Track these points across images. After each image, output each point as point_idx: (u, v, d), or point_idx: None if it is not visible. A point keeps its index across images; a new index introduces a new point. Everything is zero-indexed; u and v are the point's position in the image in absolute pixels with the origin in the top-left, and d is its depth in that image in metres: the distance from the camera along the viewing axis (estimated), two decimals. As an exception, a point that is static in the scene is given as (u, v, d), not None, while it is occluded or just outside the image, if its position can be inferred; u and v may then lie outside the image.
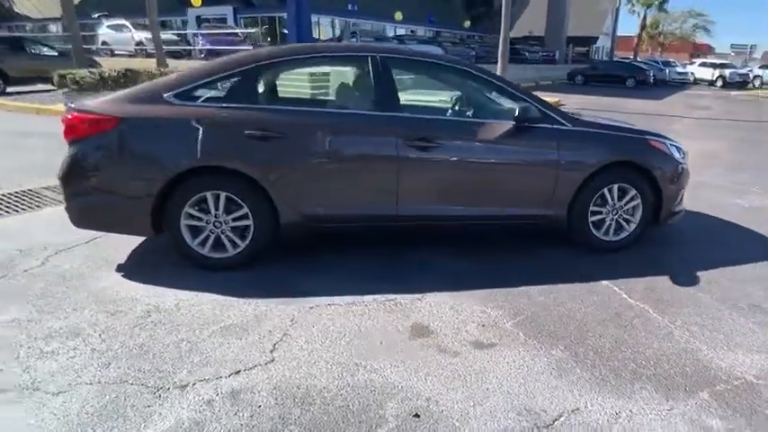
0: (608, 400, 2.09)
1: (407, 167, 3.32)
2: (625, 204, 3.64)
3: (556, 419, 1.97)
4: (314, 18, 26.10)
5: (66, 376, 2.20)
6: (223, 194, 3.21)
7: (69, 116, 3.13)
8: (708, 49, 79.13)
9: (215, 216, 3.24)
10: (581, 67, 29.41)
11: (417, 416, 1.97)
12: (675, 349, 2.47)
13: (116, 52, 20.87)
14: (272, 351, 2.42)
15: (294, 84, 4.50)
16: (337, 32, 28.85)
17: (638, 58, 38.84)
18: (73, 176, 3.14)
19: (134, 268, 3.33)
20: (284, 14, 25.46)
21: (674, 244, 3.93)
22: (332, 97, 3.69)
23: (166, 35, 18.52)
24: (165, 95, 3.19)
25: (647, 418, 1.99)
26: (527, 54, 32.84)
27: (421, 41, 27.59)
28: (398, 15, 30.18)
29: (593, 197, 3.57)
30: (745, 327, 2.70)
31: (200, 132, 3.16)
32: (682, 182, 3.76)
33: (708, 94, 24.22)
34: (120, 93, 3.35)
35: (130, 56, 20.13)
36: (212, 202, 3.22)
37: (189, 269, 3.26)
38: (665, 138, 3.79)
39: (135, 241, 3.66)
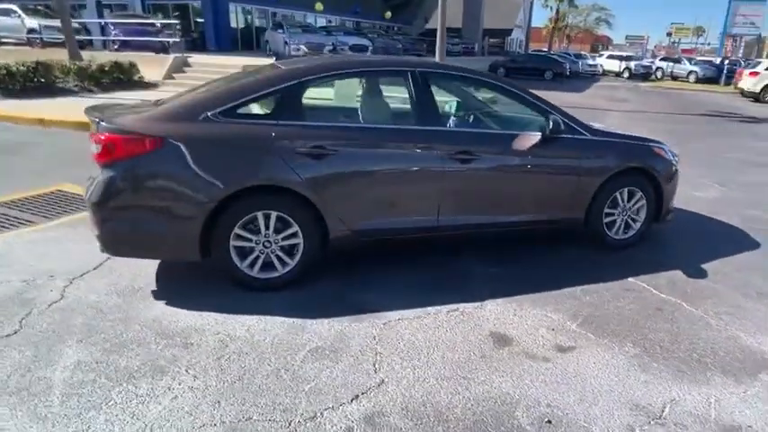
0: (693, 388, 2.44)
1: (449, 179, 3.49)
2: (633, 206, 4.09)
3: (662, 411, 2.27)
4: (231, 7, 25.08)
5: (182, 420, 2.13)
6: (274, 214, 3.18)
7: (104, 136, 2.93)
8: (607, 41, 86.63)
9: (265, 236, 3.21)
10: (502, 60, 30.97)
11: (550, 422, 2.18)
12: (720, 337, 2.89)
13: (3, 41, 18.57)
14: (376, 372, 2.49)
15: (329, 97, 4.45)
16: (256, 22, 27.89)
17: (552, 51, 41.64)
18: (110, 201, 2.95)
19: (173, 295, 3.19)
20: (198, 1, 24.22)
21: (666, 239, 4.46)
22: (375, 112, 3.75)
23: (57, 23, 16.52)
24: (209, 114, 3.09)
25: (731, 401, 2.35)
26: (449, 46, 33.87)
27: (347, 33, 27.49)
28: (319, 6, 29.77)
29: (608, 200, 3.97)
30: (765, 312, 3.20)
31: (252, 151, 3.12)
32: (675, 182, 4.29)
33: (620, 86, 26.64)
34: (156, 110, 3.19)
35: (20, 45, 17.99)
36: (262, 221, 3.18)
37: (231, 292, 3.20)
38: (663, 143, 4.28)
39: (149, 265, 3.49)
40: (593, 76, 33.05)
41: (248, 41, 26.45)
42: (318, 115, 3.60)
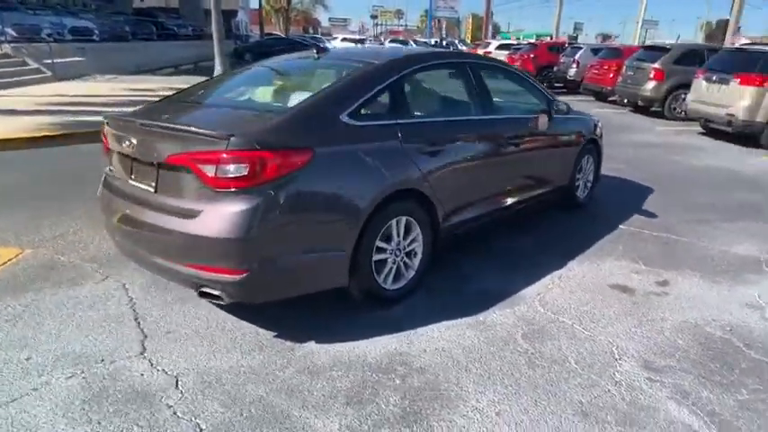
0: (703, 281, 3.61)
1: (509, 163, 3.93)
2: (589, 169, 5.21)
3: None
4: None
5: None
6: (404, 219, 3.10)
7: (248, 154, 2.39)
8: (317, 23, 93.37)
9: (396, 244, 3.10)
10: (248, 44, 30.36)
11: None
12: (716, 251, 4.21)
13: None
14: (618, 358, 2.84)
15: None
16: None
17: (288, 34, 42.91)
18: (261, 233, 2.45)
19: (310, 331, 2.83)
20: None
21: (602, 199, 5.74)
22: (457, 104, 3.81)
23: None
24: (341, 117, 2.79)
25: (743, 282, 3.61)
26: (175, 29, 31.36)
27: (57, 12, 22.69)
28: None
29: (578, 167, 4.99)
30: (723, 232, 4.67)
31: (388, 154, 2.97)
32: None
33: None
34: (285, 117, 2.70)
35: None
36: (395, 229, 3.07)
37: (359, 312, 3.05)
38: (596, 117, 5.49)
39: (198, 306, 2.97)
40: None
41: None
42: (418, 109, 3.51)
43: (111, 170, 3.12)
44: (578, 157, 4.86)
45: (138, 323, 2.93)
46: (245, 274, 2.47)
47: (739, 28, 19.65)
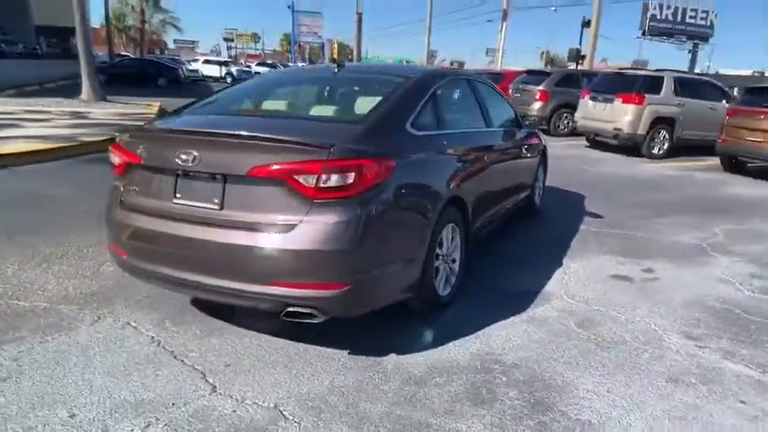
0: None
1: (505, 169, 4.30)
2: (540, 177, 5.79)
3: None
4: None
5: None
6: (450, 225, 3.25)
7: (352, 161, 2.39)
8: (163, 45, 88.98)
9: (447, 250, 3.24)
10: (101, 66, 28.05)
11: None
12: (667, 242, 4.96)
13: None
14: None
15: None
16: None
17: (147, 54, 40.32)
18: (362, 244, 2.45)
19: (365, 342, 2.83)
20: None
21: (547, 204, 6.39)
22: (475, 117, 4.01)
23: None
24: (407, 127, 2.89)
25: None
26: (2, 46, 27.92)
27: None
28: None
29: (537, 175, 5.54)
30: (662, 226, 5.49)
31: (443, 163, 3.14)
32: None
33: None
34: (367, 127, 2.73)
35: None
36: (446, 235, 3.20)
37: (402, 325, 3.13)
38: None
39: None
40: (196, 82, 33.95)
41: None
42: (450, 120, 3.65)
43: (134, 189, 2.82)
44: (537, 165, 5.41)
45: (183, 361, 2.66)
46: (345, 288, 2.42)
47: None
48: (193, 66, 38.41)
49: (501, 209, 4.31)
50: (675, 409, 2.40)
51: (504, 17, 28.09)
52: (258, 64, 39.99)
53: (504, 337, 2.97)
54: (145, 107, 13.76)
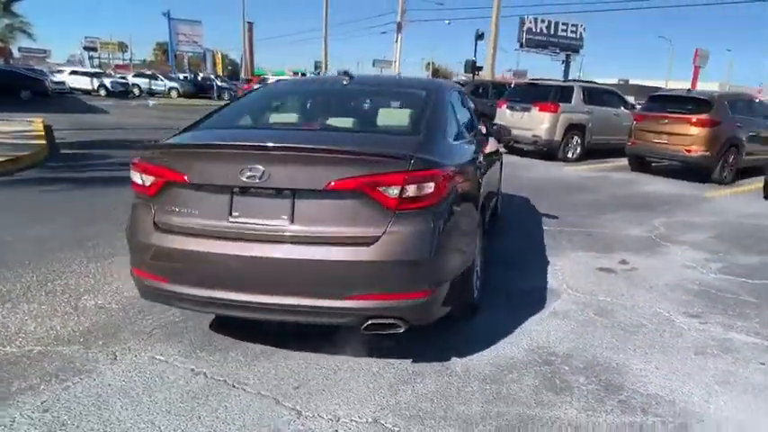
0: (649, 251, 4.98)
1: (490, 175, 4.61)
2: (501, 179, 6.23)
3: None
4: None
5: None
6: (479, 229, 3.46)
7: (430, 173, 2.50)
8: (8, 53, 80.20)
9: (477, 254, 3.44)
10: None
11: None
12: (623, 236, 5.60)
13: None
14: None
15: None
16: None
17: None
18: (441, 253, 2.57)
19: (419, 349, 2.97)
20: None
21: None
22: (467, 125, 4.16)
23: None
24: (447, 136, 3.07)
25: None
26: None
27: None
28: None
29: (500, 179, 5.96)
30: (609, 222, 6.13)
31: (474, 171, 3.35)
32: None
33: (119, 104, 26.71)
34: (425, 138, 2.85)
35: None
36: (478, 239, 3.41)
37: (442, 328, 3.33)
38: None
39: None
40: (64, 95, 31.04)
41: None
42: (459, 130, 3.80)
43: (172, 209, 2.67)
44: (500, 170, 5.83)
45: (244, 389, 2.60)
46: (429, 295, 2.52)
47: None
48: (58, 77, 35.07)
49: (490, 212, 4.60)
50: (717, 376, 2.81)
51: (399, 29, 29.28)
52: (136, 75, 37.47)
53: (543, 332, 3.23)
54: (27, 124, 12.42)
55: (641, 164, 10.16)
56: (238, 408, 2.43)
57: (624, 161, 10.55)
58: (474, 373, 2.75)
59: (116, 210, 5.24)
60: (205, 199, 2.61)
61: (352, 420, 2.35)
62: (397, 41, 30.08)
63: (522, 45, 33.62)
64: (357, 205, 2.44)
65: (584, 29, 35.01)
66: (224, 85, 35.60)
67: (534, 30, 33.31)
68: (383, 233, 2.43)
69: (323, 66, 33.66)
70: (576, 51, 36.70)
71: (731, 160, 9.09)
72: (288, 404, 2.46)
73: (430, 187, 2.47)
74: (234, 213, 2.55)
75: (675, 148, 9.05)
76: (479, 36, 25.84)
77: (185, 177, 2.59)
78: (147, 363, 2.79)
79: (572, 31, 34.97)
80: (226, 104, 3.69)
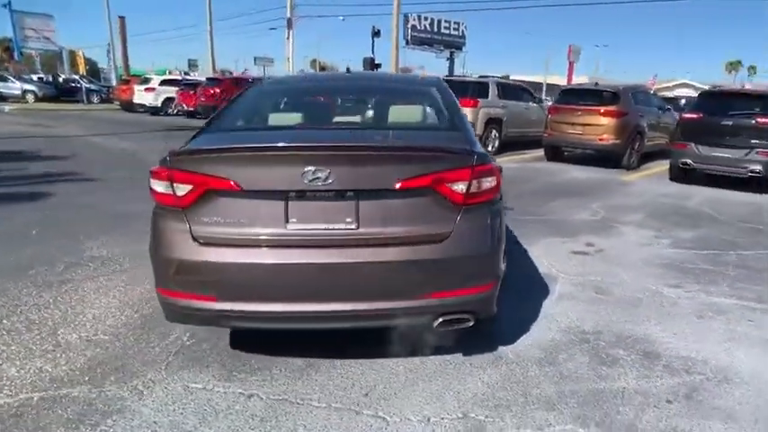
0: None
1: None
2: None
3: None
4: None
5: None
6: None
7: (490, 168, 2.63)
8: None
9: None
10: None
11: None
12: (577, 220, 6.12)
13: None
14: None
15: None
16: None
17: None
18: (500, 246, 2.73)
19: (457, 345, 3.13)
20: None
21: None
22: None
23: None
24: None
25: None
26: None
27: None
28: None
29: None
30: (559, 209, 6.63)
31: None
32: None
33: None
34: (467, 134, 2.96)
35: None
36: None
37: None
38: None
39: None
40: None
41: None
42: None
43: (214, 220, 2.53)
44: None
45: (312, 404, 2.54)
46: (493, 286, 2.65)
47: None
48: None
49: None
50: (726, 334, 3.27)
51: (290, 25, 28.85)
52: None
53: (563, 313, 3.49)
54: None
55: (556, 153, 11.08)
56: (319, 424, 2.38)
57: (539, 152, 11.43)
58: (527, 357, 2.92)
59: (46, 229, 4.74)
60: (257, 206, 2.50)
61: (443, 419, 2.40)
62: (288, 38, 29.64)
63: (408, 42, 34.74)
64: (425, 203, 2.49)
65: (465, 27, 36.95)
66: (92, 87, 32.65)
67: (419, 27, 34.51)
68: (453, 229, 2.51)
69: (210, 63, 32.18)
70: (459, 48, 38.65)
71: (637, 146, 10.25)
72: (368, 412, 2.46)
73: (492, 181, 2.60)
74: (291, 219, 2.48)
75: (589, 137, 10.01)
76: (376, 33, 26.30)
77: (233, 184, 2.46)
78: (184, 393, 2.62)
79: (454, 29, 36.73)
80: (231, 103, 3.52)
